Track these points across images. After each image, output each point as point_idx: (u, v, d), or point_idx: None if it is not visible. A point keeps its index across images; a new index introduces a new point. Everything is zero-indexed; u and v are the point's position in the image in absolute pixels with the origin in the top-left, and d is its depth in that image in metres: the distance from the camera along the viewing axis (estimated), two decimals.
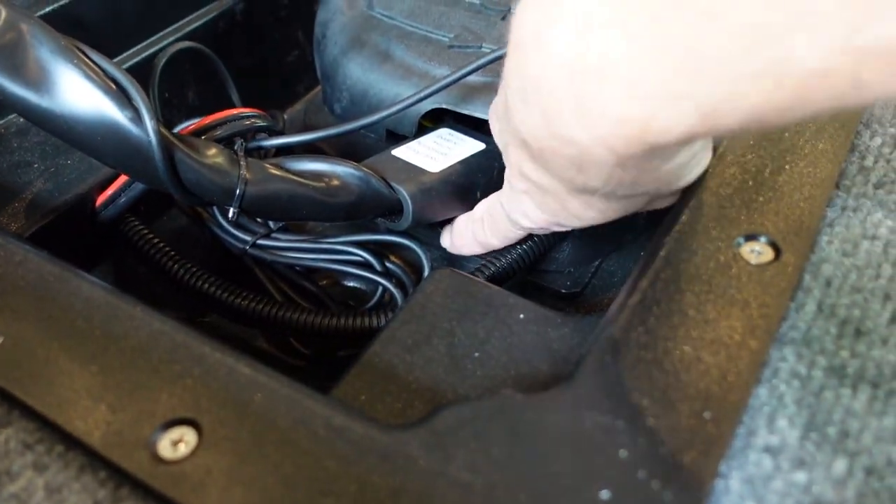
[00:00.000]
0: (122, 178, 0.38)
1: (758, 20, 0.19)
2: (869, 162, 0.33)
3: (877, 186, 0.31)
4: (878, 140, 0.34)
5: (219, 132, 0.36)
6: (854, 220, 0.30)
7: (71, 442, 0.24)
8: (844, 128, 0.34)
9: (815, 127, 0.34)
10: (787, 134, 0.34)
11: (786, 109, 0.21)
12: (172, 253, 0.39)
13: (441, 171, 0.38)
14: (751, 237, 0.29)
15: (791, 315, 0.27)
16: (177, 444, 0.23)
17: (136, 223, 0.39)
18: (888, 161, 0.33)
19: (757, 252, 0.29)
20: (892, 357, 0.25)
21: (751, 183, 0.31)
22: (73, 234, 0.38)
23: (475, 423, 0.24)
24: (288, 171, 0.35)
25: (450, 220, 0.42)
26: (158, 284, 0.39)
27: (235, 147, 0.35)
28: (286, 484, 0.22)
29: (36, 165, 0.39)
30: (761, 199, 0.31)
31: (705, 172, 0.32)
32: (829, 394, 0.24)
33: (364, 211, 0.37)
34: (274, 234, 0.41)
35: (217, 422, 0.24)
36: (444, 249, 0.43)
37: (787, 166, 0.32)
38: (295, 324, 0.37)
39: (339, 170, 0.36)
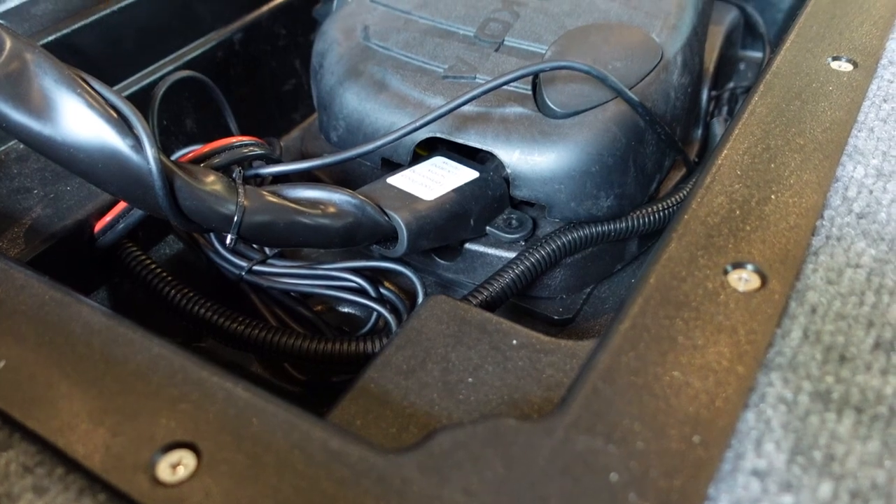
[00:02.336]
0: (121, 205, 0.39)
1: None
2: (852, 192, 0.33)
3: (860, 216, 0.32)
4: (860, 171, 0.35)
5: (217, 160, 0.37)
6: (838, 249, 0.31)
7: (71, 465, 0.24)
8: (828, 159, 0.35)
9: (800, 158, 0.35)
10: (773, 165, 0.34)
11: None
12: (169, 278, 0.39)
13: (435, 199, 0.39)
14: (738, 265, 0.30)
15: (777, 341, 0.27)
16: (175, 467, 0.24)
17: (134, 249, 0.40)
18: (871, 192, 0.33)
19: (744, 280, 0.29)
20: (876, 382, 0.26)
21: (738, 212, 0.32)
22: (72, 260, 0.38)
23: (470, 446, 0.24)
24: (285, 198, 0.35)
25: (443, 247, 0.42)
26: (155, 309, 0.39)
27: (233, 175, 0.35)
28: None
29: (36, 191, 0.40)
30: (748, 228, 0.31)
31: (692, 203, 0.33)
32: (814, 418, 0.25)
33: (359, 238, 0.37)
34: (270, 260, 0.41)
35: (215, 445, 0.24)
36: (439, 275, 0.44)
37: (772, 196, 0.33)
38: (290, 349, 0.37)
39: (335, 197, 0.36)
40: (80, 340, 0.28)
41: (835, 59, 0.42)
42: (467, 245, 0.42)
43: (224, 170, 0.37)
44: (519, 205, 0.43)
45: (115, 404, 0.26)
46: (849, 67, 0.41)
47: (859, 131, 0.37)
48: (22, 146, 0.42)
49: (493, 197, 0.41)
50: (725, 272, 0.30)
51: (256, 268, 0.41)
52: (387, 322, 0.40)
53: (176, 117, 0.51)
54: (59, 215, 0.38)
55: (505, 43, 0.45)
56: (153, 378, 0.26)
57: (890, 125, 0.37)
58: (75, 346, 0.28)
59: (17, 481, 0.24)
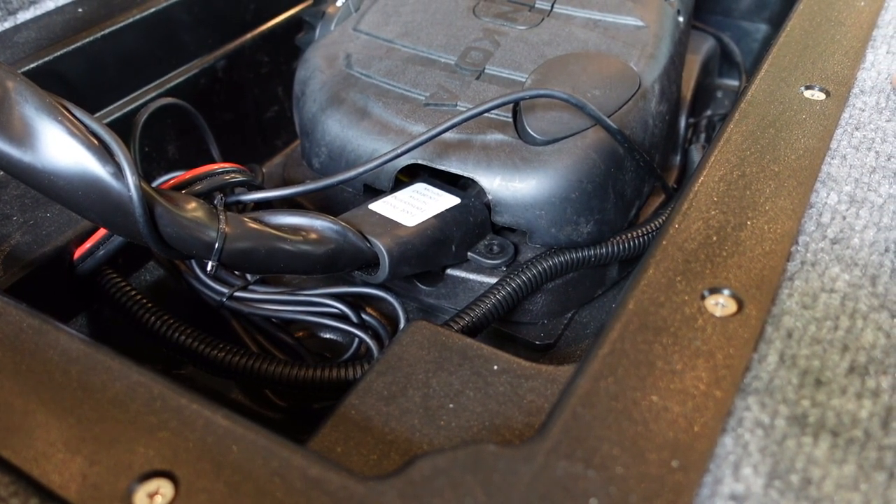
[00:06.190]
0: (101, 232, 0.38)
1: None
2: (826, 218, 0.34)
3: (834, 242, 0.33)
4: (834, 197, 0.35)
5: (198, 187, 0.37)
6: (813, 274, 0.31)
7: (46, 495, 0.24)
8: (802, 186, 0.35)
9: (774, 185, 0.35)
10: (748, 191, 0.35)
11: None
12: (150, 305, 0.39)
13: (417, 225, 0.39)
14: (715, 290, 0.30)
15: (754, 366, 0.28)
16: (153, 496, 0.23)
17: (114, 276, 0.39)
18: (844, 218, 0.34)
19: (721, 305, 0.30)
20: (851, 406, 0.26)
21: (714, 238, 0.33)
22: (51, 287, 0.38)
23: (450, 472, 0.24)
24: (266, 225, 0.35)
25: (425, 273, 0.43)
26: (135, 337, 0.39)
27: (215, 201, 0.35)
28: None
29: (15, 218, 0.39)
30: (724, 253, 0.32)
31: (671, 230, 0.33)
32: (791, 442, 0.25)
33: (341, 264, 0.37)
34: (251, 287, 0.41)
35: (193, 474, 0.24)
36: (421, 301, 0.44)
37: (748, 222, 0.33)
38: (271, 376, 0.37)
39: (317, 224, 0.36)
40: (57, 368, 0.28)
41: (808, 88, 0.42)
42: (449, 271, 0.42)
43: (206, 196, 0.37)
44: (500, 230, 0.43)
45: (93, 433, 0.25)
46: (821, 96, 0.42)
47: (832, 158, 0.38)
48: (1, 173, 0.42)
49: (474, 223, 0.41)
50: (703, 297, 0.30)
51: (237, 294, 0.41)
52: (368, 348, 0.40)
53: (158, 144, 0.52)
54: (38, 242, 0.38)
55: (486, 71, 0.45)
56: (131, 406, 0.26)
57: (862, 152, 0.38)
58: (52, 373, 0.27)
59: None
